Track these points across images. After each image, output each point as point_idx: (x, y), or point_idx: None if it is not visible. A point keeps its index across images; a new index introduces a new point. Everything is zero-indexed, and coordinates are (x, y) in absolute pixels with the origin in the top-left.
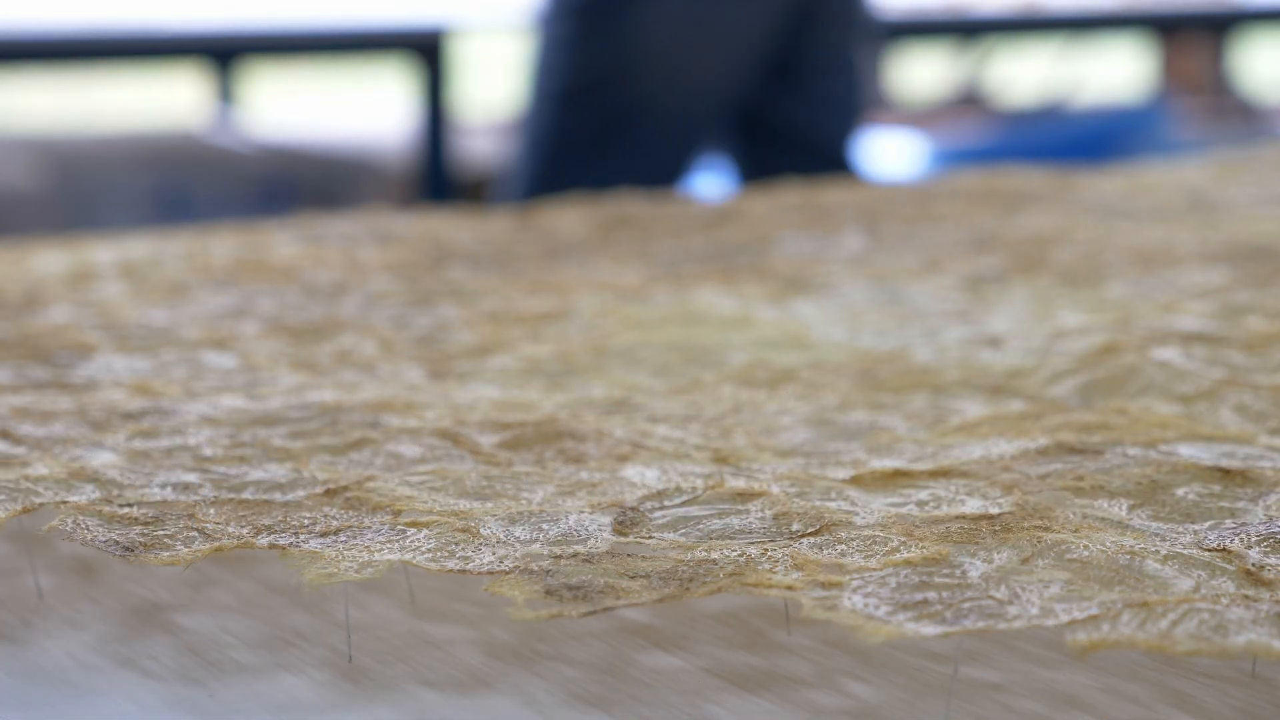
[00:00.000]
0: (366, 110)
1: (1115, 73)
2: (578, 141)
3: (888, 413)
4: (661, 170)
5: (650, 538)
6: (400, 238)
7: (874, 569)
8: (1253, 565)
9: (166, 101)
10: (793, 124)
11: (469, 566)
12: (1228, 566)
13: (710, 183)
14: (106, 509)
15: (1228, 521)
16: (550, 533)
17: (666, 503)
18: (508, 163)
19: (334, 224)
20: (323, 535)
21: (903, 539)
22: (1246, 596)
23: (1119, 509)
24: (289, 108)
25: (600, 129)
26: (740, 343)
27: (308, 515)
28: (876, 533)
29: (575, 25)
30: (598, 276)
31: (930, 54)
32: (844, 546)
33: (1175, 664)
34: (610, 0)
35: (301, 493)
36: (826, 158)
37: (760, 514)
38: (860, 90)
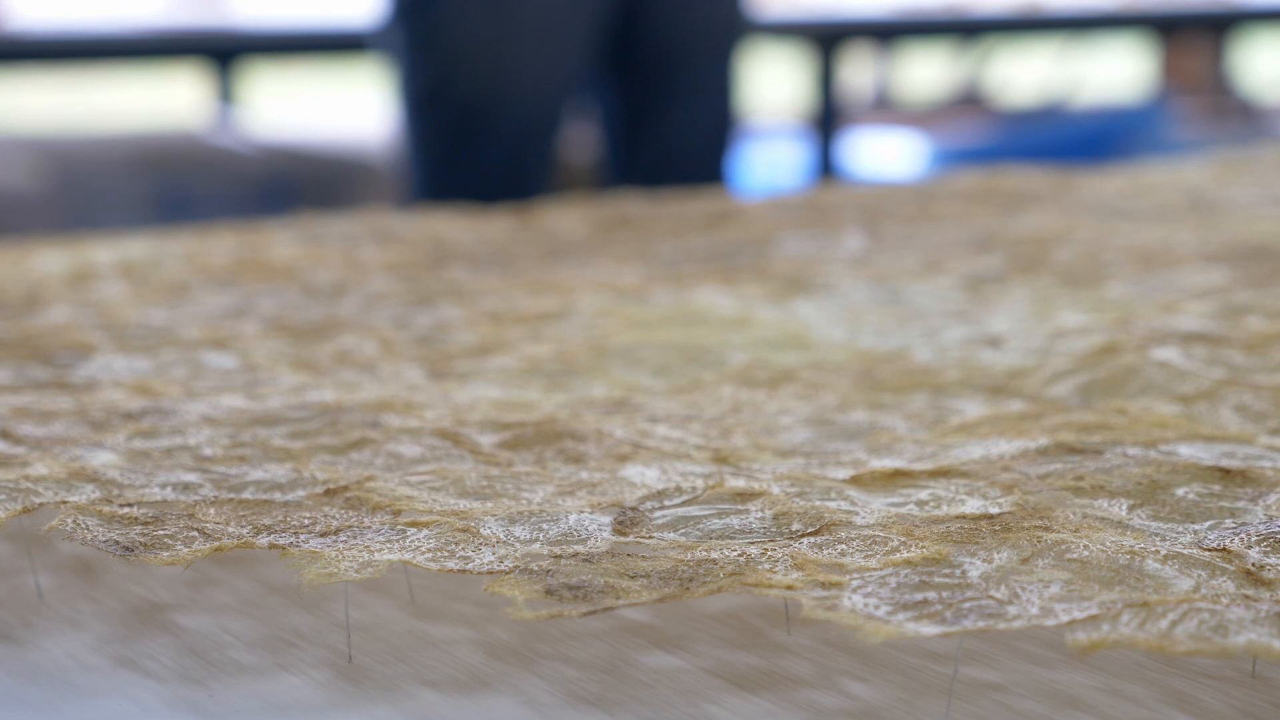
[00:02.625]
0: (365, 110)
1: (1115, 73)
2: (439, 144)
3: (888, 413)
4: (523, 166)
5: (650, 538)
6: (400, 238)
7: (874, 569)
8: (1253, 565)
9: (166, 101)
10: (646, 122)
11: (469, 566)
12: (1228, 566)
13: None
14: (106, 509)
15: (1228, 521)
16: (550, 533)
17: (666, 503)
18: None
19: (334, 224)
20: (323, 535)
21: (903, 539)
22: (1246, 596)
23: (1119, 509)
24: (289, 108)
25: (454, 130)
26: (740, 343)
27: (308, 515)
28: (876, 533)
29: (404, 30)
30: (598, 276)
31: (930, 54)
32: (844, 546)
33: (1175, 664)
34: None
35: (301, 493)
36: (689, 156)
37: (760, 514)
38: (719, 87)
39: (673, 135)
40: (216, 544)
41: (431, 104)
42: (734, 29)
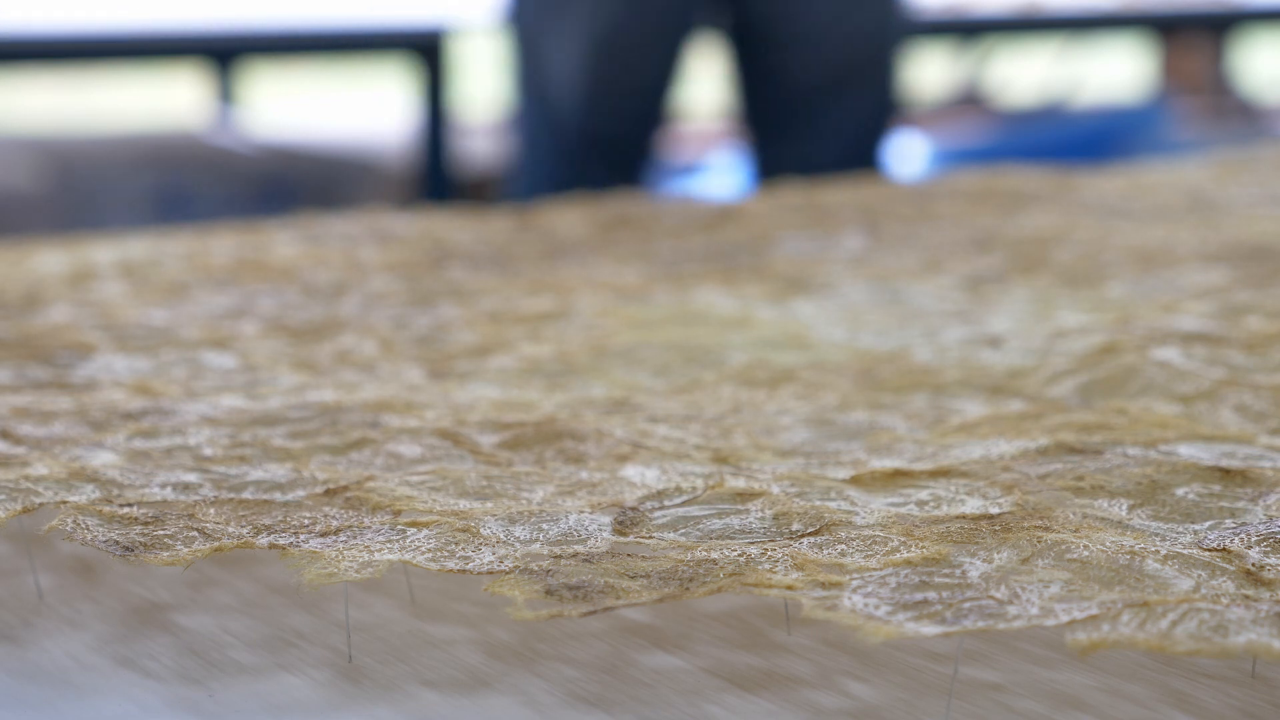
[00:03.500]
0: (366, 110)
1: (1115, 73)
2: (537, 133)
3: (888, 413)
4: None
5: (650, 538)
6: (400, 238)
7: (874, 569)
8: (1253, 565)
9: (166, 101)
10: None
11: (469, 566)
12: (1228, 566)
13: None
14: (106, 509)
15: (1228, 521)
16: (550, 533)
17: (666, 503)
18: (513, 160)
19: (334, 224)
20: (323, 535)
21: (903, 539)
22: (1246, 596)
23: (1119, 509)
24: (289, 108)
25: (553, 133)
26: (740, 343)
27: (308, 515)
28: (876, 533)
29: (525, 29)
30: (598, 276)
31: (930, 54)
32: (844, 546)
33: (1175, 664)
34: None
35: (301, 493)
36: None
37: (760, 514)
38: (876, 87)
39: (821, 143)
40: (216, 544)
41: (531, 96)
42: (884, 36)
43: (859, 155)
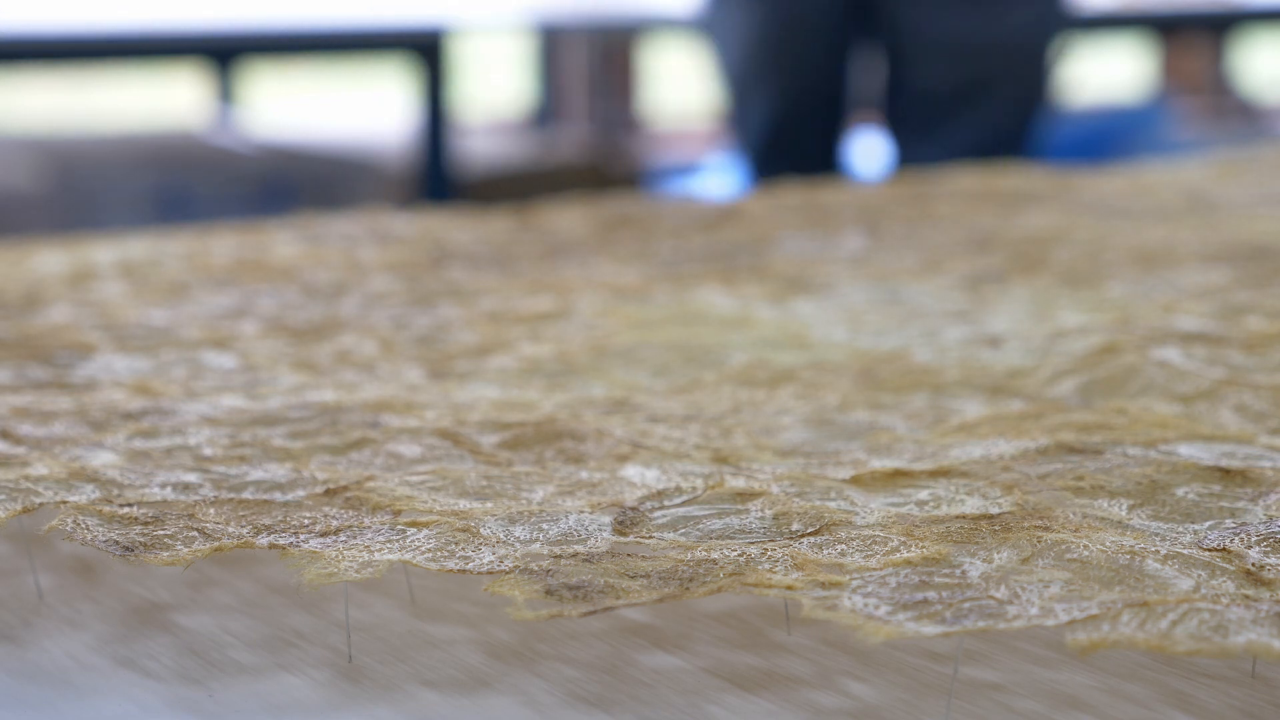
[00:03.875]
0: (366, 110)
1: (1115, 73)
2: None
3: (888, 413)
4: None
5: (650, 538)
6: (400, 238)
7: (874, 569)
8: (1253, 565)
9: (166, 101)
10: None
11: (469, 566)
12: (1228, 566)
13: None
14: (106, 509)
15: (1228, 521)
16: (550, 533)
17: (666, 503)
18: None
19: (334, 224)
20: (323, 535)
21: (903, 539)
22: (1246, 596)
23: (1119, 509)
24: (289, 108)
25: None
26: (740, 343)
27: (308, 515)
28: (876, 533)
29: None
30: (598, 276)
31: None
32: (844, 546)
33: (1175, 664)
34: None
35: (301, 493)
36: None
37: (760, 514)
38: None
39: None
40: (216, 544)
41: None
42: (1033, 42)
43: (1000, 154)
